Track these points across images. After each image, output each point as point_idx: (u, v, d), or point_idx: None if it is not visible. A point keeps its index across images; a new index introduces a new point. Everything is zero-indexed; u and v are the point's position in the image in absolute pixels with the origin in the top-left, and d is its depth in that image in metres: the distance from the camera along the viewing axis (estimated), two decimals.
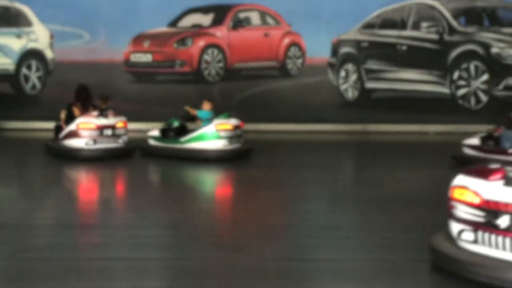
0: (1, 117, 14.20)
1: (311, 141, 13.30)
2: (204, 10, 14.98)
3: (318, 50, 14.83)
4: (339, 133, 13.99)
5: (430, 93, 14.56)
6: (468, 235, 4.19)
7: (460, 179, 4.38)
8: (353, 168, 10.35)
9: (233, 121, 9.78)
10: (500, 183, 4.13)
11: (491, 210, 4.06)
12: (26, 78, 14.72)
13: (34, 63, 14.72)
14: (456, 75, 14.38)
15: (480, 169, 4.38)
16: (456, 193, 4.36)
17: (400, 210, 6.47)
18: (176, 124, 9.90)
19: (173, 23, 14.83)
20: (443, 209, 6.65)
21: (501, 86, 14.32)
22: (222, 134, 9.50)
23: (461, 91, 14.49)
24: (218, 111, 10.10)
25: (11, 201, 7.01)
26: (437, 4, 14.45)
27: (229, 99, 14.81)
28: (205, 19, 14.91)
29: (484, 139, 9.04)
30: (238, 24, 14.83)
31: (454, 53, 14.26)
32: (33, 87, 14.77)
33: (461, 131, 14.17)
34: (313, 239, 5.42)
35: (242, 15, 14.90)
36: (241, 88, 14.88)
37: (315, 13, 14.69)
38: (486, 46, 14.15)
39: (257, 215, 6.23)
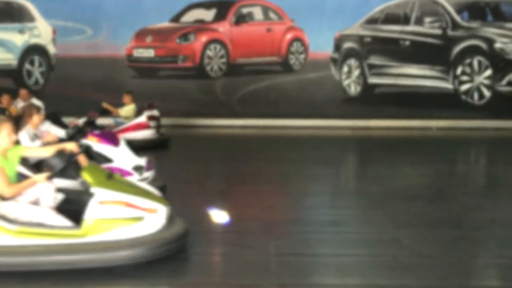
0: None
1: (314, 136, 13.29)
2: (206, 5, 14.96)
3: (321, 45, 14.80)
4: (341, 128, 13.98)
5: (433, 88, 14.54)
6: None
7: None
8: (355, 163, 10.33)
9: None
10: None
11: None
12: (29, 73, 14.73)
13: (36, 58, 14.73)
14: (459, 70, 14.35)
15: None
16: None
17: (403, 205, 6.46)
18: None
19: (176, 18, 14.81)
20: (445, 204, 6.66)
21: (504, 81, 14.28)
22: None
23: (464, 87, 14.46)
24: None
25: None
26: None
27: (231, 95, 14.82)
28: (208, 14, 14.89)
29: None
30: (241, 19, 14.80)
31: (457, 48, 14.23)
32: (36, 82, 14.78)
33: (464, 126, 14.19)
34: (316, 234, 5.42)
35: (244, 10, 14.88)
36: (243, 84, 14.87)
37: (318, 8, 14.66)
38: (490, 41, 14.11)
39: (260, 210, 6.23)
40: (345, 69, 14.91)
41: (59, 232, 4.32)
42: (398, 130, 14.04)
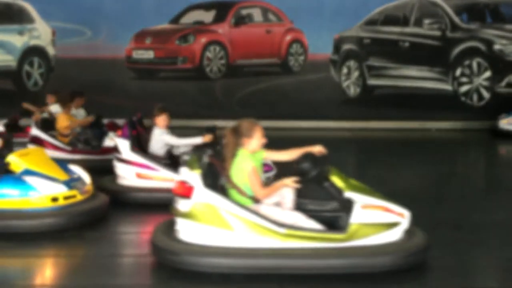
0: (2, 114, 14.19)
1: (313, 137, 13.25)
2: (206, 6, 14.96)
3: (320, 47, 14.80)
4: (341, 130, 13.97)
5: (433, 90, 14.54)
6: None
7: None
8: (355, 164, 10.33)
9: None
10: None
11: None
12: (28, 75, 14.73)
13: (36, 60, 14.72)
14: (458, 71, 14.35)
15: None
16: None
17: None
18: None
19: (175, 20, 14.81)
20: (444, 206, 6.66)
21: (503, 83, 14.28)
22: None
23: (464, 88, 14.46)
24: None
25: None
26: (439, 1, 14.41)
27: (231, 96, 14.82)
28: (207, 16, 14.89)
29: None
30: (240, 20, 14.81)
31: (457, 49, 14.23)
32: (35, 83, 14.77)
33: (464, 128, 14.19)
34: None
35: (244, 12, 14.88)
36: (243, 85, 14.87)
37: (317, 10, 14.67)
38: (489, 43, 14.12)
39: None
40: (345, 70, 14.91)
41: (325, 235, 4.27)
42: (398, 132, 14.04)
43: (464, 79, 14.40)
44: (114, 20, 14.58)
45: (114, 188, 6.49)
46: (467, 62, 14.28)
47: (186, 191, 4.32)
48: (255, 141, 4.55)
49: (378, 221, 4.31)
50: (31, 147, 8.09)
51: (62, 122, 8.80)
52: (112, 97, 13.49)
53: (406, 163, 9.80)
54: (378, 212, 4.33)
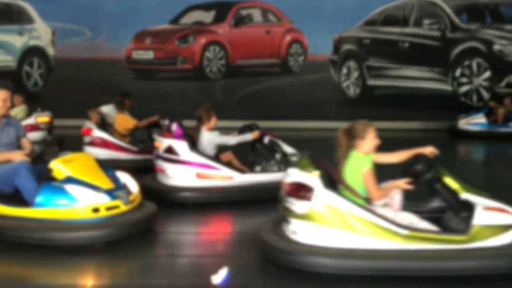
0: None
1: (313, 138, 13.28)
2: (205, 7, 14.97)
3: (320, 47, 14.82)
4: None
5: (432, 90, 14.55)
6: None
7: None
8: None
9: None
10: None
11: None
12: (28, 75, 14.74)
13: (36, 60, 14.73)
14: (458, 72, 14.36)
15: None
16: None
17: None
18: None
19: (175, 20, 14.82)
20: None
21: (503, 83, 14.29)
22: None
23: (463, 88, 14.47)
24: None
25: None
26: (439, 1, 14.42)
27: (230, 96, 14.82)
28: (207, 16, 14.90)
29: None
30: (240, 21, 14.81)
31: (456, 50, 14.24)
32: (35, 84, 14.78)
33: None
34: None
35: (243, 12, 14.89)
36: (242, 85, 14.87)
37: (317, 10, 14.68)
38: (489, 43, 14.13)
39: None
40: (344, 70, 14.92)
41: (447, 237, 4.25)
42: (397, 132, 14.04)
43: (463, 80, 14.41)
44: (114, 21, 14.59)
45: (166, 189, 6.42)
46: (466, 63, 14.29)
47: (305, 193, 4.30)
48: (368, 142, 4.54)
49: (497, 223, 4.30)
50: (88, 149, 8.08)
51: (126, 123, 8.73)
52: (111, 97, 13.42)
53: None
54: (498, 214, 4.33)
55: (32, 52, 14.68)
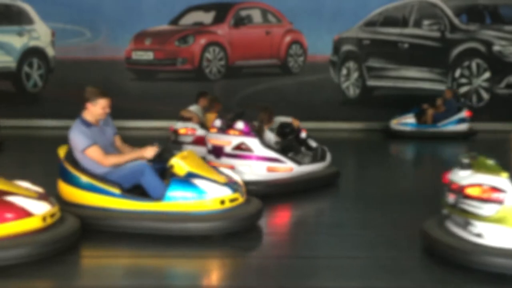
0: (2, 115, 14.21)
1: (312, 138, 13.27)
2: (205, 8, 14.97)
3: (320, 48, 14.82)
4: (340, 130, 13.98)
5: (432, 91, 14.55)
6: None
7: None
8: (354, 166, 10.33)
9: None
10: None
11: None
12: (28, 76, 14.73)
13: (35, 61, 14.72)
14: (458, 73, 14.37)
15: None
16: None
17: (402, 208, 6.47)
18: None
19: (175, 21, 14.82)
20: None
21: (503, 84, 14.31)
22: None
23: (463, 89, 14.47)
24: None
25: None
26: (438, 2, 14.43)
27: (230, 97, 14.82)
28: (207, 17, 14.90)
29: None
30: (240, 22, 14.82)
31: (456, 51, 14.25)
32: (35, 85, 14.78)
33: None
34: (316, 236, 5.43)
35: (243, 13, 14.89)
36: (242, 86, 14.87)
37: (317, 11, 14.68)
38: (488, 44, 14.14)
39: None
40: (344, 71, 14.93)
41: None
42: None
43: (463, 80, 14.42)
44: (113, 21, 14.58)
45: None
46: (466, 63, 14.30)
47: (497, 196, 4.33)
48: None
49: None
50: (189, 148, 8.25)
51: None
52: (111, 98, 13.41)
53: (406, 163, 9.80)
54: None
55: (31, 53, 14.67)
